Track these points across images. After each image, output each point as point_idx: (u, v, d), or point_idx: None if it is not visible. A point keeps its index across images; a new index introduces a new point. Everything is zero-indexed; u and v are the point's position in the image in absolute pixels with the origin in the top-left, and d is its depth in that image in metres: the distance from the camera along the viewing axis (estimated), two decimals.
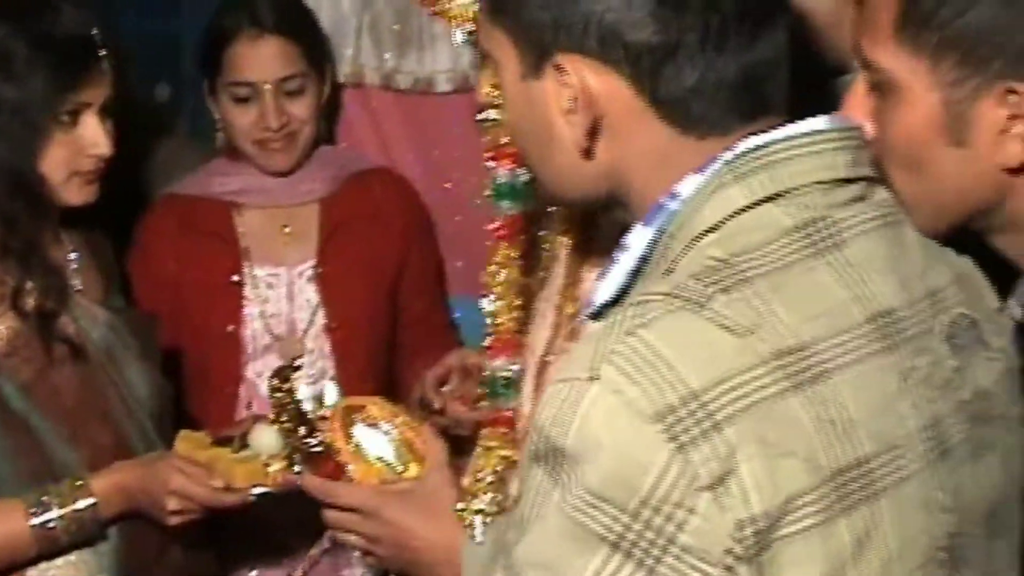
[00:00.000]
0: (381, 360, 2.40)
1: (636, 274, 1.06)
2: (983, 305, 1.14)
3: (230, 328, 2.35)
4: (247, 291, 2.36)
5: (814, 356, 0.96)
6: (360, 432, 1.58)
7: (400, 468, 1.56)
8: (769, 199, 1.01)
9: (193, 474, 1.87)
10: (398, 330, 2.44)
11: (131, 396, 1.98)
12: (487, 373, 1.62)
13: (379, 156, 2.59)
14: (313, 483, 1.58)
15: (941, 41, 1.20)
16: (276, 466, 1.87)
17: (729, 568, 0.91)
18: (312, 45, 2.36)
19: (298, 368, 1.72)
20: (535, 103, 1.06)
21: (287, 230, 2.39)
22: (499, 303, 1.58)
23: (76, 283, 1.98)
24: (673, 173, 1.04)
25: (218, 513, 1.91)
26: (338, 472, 1.55)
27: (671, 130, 1.04)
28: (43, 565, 1.88)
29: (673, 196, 1.04)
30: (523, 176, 1.50)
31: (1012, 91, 1.18)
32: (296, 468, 1.84)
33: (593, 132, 1.05)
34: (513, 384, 1.60)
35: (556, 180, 1.11)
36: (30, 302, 1.86)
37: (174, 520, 1.89)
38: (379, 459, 1.56)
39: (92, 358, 1.94)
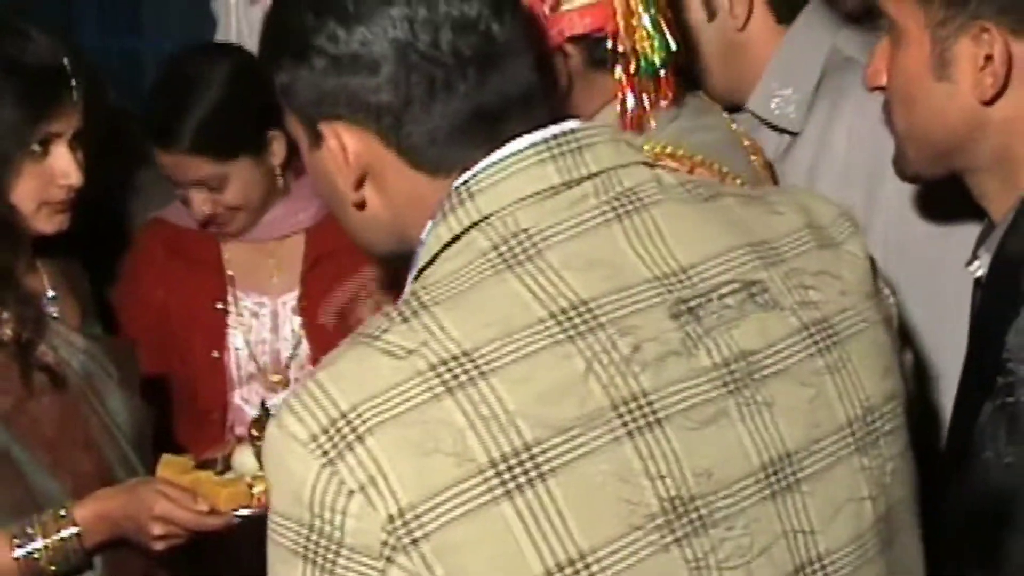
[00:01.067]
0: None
1: None
2: (804, 260, 1.16)
3: (215, 354, 2.33)
4: (231, 319, 2.35)
5: (475, 360, 1.02)
6: None
7: None
8: (473, 226, 1.10)
9: (176, 498, 1.85)
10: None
11: (112, 423, 1.97)
12: None
13: None
14: None
15: None
16: (260, 487, 1.86)
17: (389, 559, 1.00)
18: (228, 149, 2.26)
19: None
20: (323, 170, 1.19)
21: (272, 261, 2.38)
22: None
23: (53, 311, 1.98)
24: (431, 212, 1.13)
25: (203, 537, 1.90)
26: None
27: (420, 174, 1.15)
28: None
29: (420, 243, 1.14)
30: None
31: (985, 29, 1.34)
32: None
33: (359, 185, 1.17)
34: None
35: (354, 234, 1.23)
36: (6, 332, 1.86)
37: (159, 545, 1.88)
38: None
39: (72, 386, 1.93)
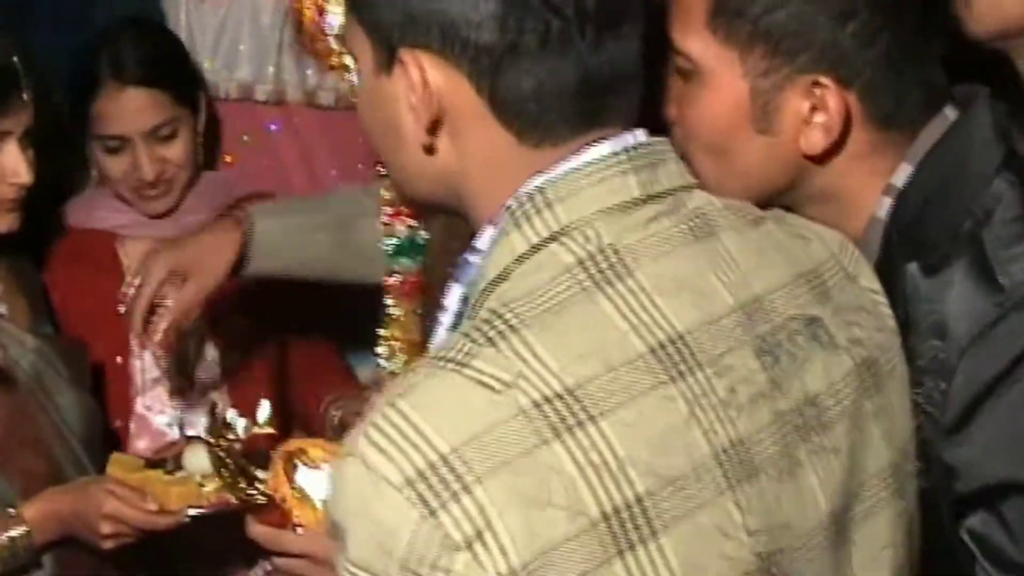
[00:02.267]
0: (275, 387, 2.36)
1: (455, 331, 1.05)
2: (842, 295, 1.12)
3: (118, 360, 2.30)
4: None
5: (581, 400, 0.94)
6: (303, 477, 1.57)
7: None
8: (551, 239, 1.00)
9: (126, 497, 1.86)
10: (289, 354, 2.41)
11: (62, 422, 1.97)
12: None
13: (303, 173, 2.57)
14: (261, 533, 1.57)
15: (752, 33, 1.28)
16: (210, 486, 1.87)
17: None
18: (181, 87, 2.30)
19: (228, 425, 1.72)
20: (385, 99, 1.06)
21: None
22: (396, 360, 1.57)
23: (2, 310, 1.97)
24: (506, 182, 1.03)
25: (153, 535, 1.91)
26: (284, 520, 1.55)
27: (508, 135, 1.03)
28: None
29: (474, 250, 1.04)
30: (422, 233, 1.50)
31: (817, 83, 1.30)
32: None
33: (434, 129, 1.03)
34: None
35: (402, 177, 1.11)
36: None
37: (108, 544, 1.89)
38: (325, 502, 1.56)
39: (21, 385, 1.93)
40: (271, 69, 2.54)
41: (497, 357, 0.94)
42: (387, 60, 1.04)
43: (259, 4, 2.53)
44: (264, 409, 1.88)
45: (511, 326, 0.95)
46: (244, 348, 2.33)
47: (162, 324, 1.96)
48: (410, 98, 1.03)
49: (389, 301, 1.55)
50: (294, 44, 2.44)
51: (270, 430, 1.87)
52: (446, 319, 1.07)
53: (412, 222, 1.51)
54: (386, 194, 1.59)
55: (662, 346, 0.98)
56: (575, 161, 1.02)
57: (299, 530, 1.55)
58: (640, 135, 1.05)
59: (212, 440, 1.65)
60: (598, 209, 1.00)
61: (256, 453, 1.85)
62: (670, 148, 1.07)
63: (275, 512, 1.56)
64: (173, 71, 2.32)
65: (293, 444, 1.63)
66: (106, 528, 1.87)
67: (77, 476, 1.96)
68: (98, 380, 2.23)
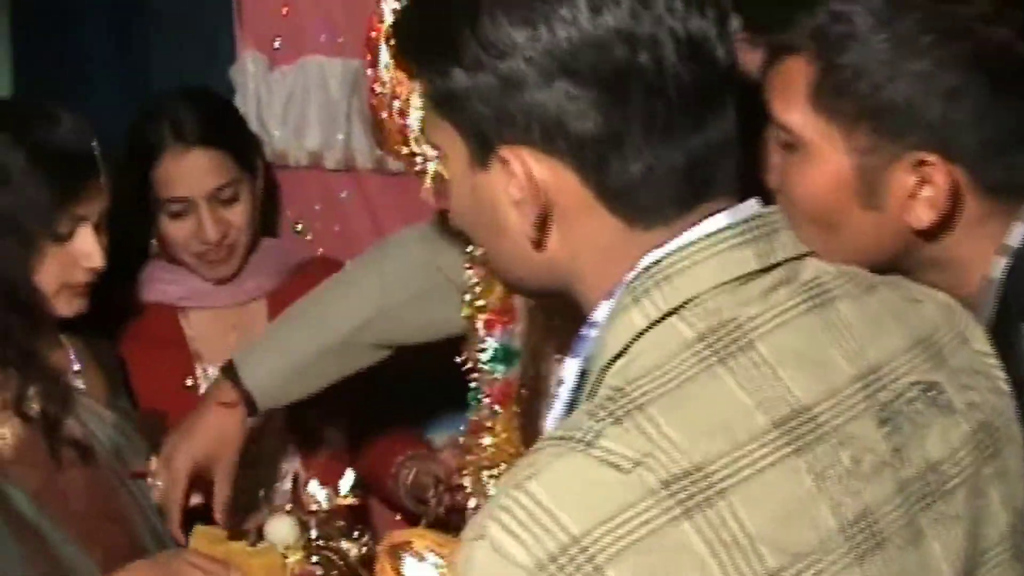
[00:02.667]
0: (348, 454, 2.35)
1: (572, 406, 1.05)
2: (957, 358, 1.11)
3: None
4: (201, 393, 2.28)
5: (709, 476, 0.93)
6: (409, 568, 1.56)
7: None
8: (671, 313, 0.99)
9: (210, 570, 1.84)
10: (360, 420, 2.40)
11: (142, 496, 1.96)
12: None
13: (374, 238, 2.53)
14: None
15: (858, 111, 1.27)
16: (294, 558, 1.86)
17: None
18: (240, 148, 2.33)
19: (342, 524, 1.71)
20: (483, 194, 1.05)
21: (235, 329, 2.36)
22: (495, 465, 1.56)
23: (79, 385, 1.97)
24: (619, 264, 1.02)
25: None
26: None
27: (617, 221, 1.02)
28: None
29: (591, 324, 1.03)
30: (516, 340, 1.50)
31: (923, 162, 1.27)
32: (314, 559, 1.83)
33: (543, 223, 1.03)
34: None
35: (505, 266, 1.10)
36: (34, 407, 1.84)
37: None
38: None
39: (101, 460, 1.92)
40: (340, 137, 2.55)
41: (624, 435, 0.93)
42: (481, 157, 1.03)
43: (327, 72, 2.54)
44: (347, 479, 1.87)
45: (637, 404, 0.95)
46: (317, 417, 2.31)
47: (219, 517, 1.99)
48: (512, 193, 1.02)
49: (485, 401, 1.55)
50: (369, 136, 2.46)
51: (353, 500, 1.86)
52: (563, 394, 1.06)
53: (506, 328, 1.51)
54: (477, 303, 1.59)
55: (787, 419, 0.97)
56: (692, 234, 1.01)
57: None
58: (754, 205, 1.04)
59: (316, 553, 1.64)
60: (717, 283, 1.00)
61: (338, 524, 1.85)
62: (782, 217, 1.06)
63: None
64: (232, 133, 2.34)
65: (397, 536, 1.61)
66: None
67: (157, 549, 1.94)
68: None
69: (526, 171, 1.01)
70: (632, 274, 1.01)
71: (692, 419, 0.95)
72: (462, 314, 1.79)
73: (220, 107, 2.39)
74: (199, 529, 1.95)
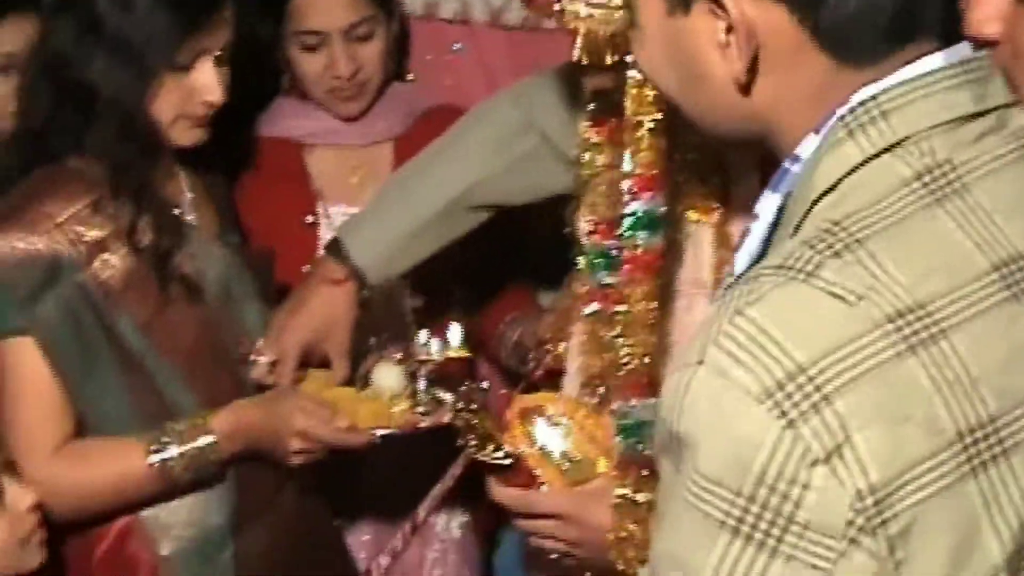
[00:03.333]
0: (458, 309, 2.31)
1: (769, 241, 1.04)
2: None
3: (304, 269, 2.22)
4: (322, 232, 2.29)
5: (932, 314, 0.92)
6: (541, 433, 1.53)
7: (588, 465, 1.52)
8: (886, 150, 0.97)
9: (317, 414, 1.84)
10: (471, 276, 2.36)
11: (247, 335, 1.95)
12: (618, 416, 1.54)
13: (485, 93, 2.47)
14: (509, 496, 1.54)
15: None
16: (400, 407, 1.86)
17: (853, 540, 0.89)
18: None
19: (486, 391, 1.69)
20: (682, 40, 1.03)
21: (361, 170, 2.34)
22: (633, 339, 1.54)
23: (191, 219, 1.95)
24: (827, 104, 1.00)
25: (341, 454, 1.89)
26: (529, 480, 1.52)
27: (830, 60, 0.99)
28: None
29: (795, 159, 1.02)
30: (661, 206, 1.47)
31: None
32: (420, 408, 1.82)
33: (752, 65, 1.00)
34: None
35: (702, 114, 1.08)
36: (145, 239, 1.83)
37: (296, 460, 1.87)
38: (565, 458, 1.52)
39: (209, 297, 1.91)
40: None
41: (844, 269, 0.93)
42: (683, 1, 1.01)
43: None
44: (456, 331, 1.86)
45: (856, 238, 0.94)
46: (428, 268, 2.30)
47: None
48: (718, 36, 1.00)
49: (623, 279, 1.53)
50: None
51: (464, 353, 1.85)
52: (759, 228, 1.05)
53: (651, 194, 1.48)
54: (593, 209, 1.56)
55: (1005, 263, 0.96)
56: (908, 72, 0.99)
57: (543, 488, 1.51)
58: (967, 48, 1.02)
59: (455, 415, 1.64)
60: (933, 123, 0.98)
61: (449, 377, 1.84)
62: (992, 64, 1.03)
63: (520, 474, 1.51)
64: None
65: (529, 400, 1.58)
66: (296, 444, 1.85)
67: (258, 390, 1.94)
68: (282, 290, 2.19)
69: (741, 13, 0.98)
70: (845, 108, 0.99)
71: (913, 257, 0.94)
72: (584, 172, 1.75)
73: None
74: (313, 373, 1.94)
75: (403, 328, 1.95)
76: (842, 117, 0.98)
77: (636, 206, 1.49)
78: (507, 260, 2.32)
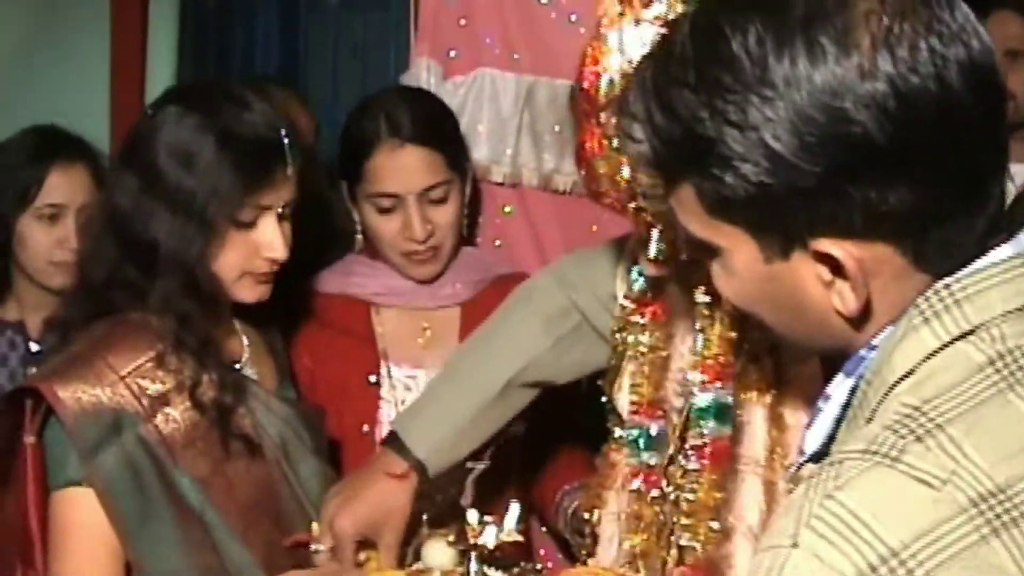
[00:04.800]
0: (508, 452, 2.30)
1: (840, 422, 1.10)
2: None
3: (365, 428, 2.29)
4: (384, 392, 2.30)
5: (1012, 498, 0.96)
6: None
7: None
8: (960, 337, 1.02)
9: None
10: (532, 444, 2.36)
11: (303, 493, 1.95)
12: None
13: (534, 255, 2.55)
14: None
15: None
16: None
17: None
18: (453, 150, 2.31)
19: (539, 572, 1.70)
20: (782, 280, 1.08)
21: (428, 332, 2.35)
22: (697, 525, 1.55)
23: (251, 373, 1.96)
24: (908, 301, 1.06)
25: None
26: None
27: (927, 276, 1.05)
28: None
29: (871, 347, 1.07)
30: (730, 395, 1.49)
31: None
32: None
33: (863, 297, 1.06)
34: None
35: (796, 338, 1.14)
36: (208, 394, 1.84)
37: None
38: None
39: (268, 454, 1.91)
40: (508, 151, 2.53)
41: (927, 454, 0.97)
42: (782, 250, 1.06)
43: (500, 87, 2.53)
44: (513, 513, 1.83)
45: (936, 423, 0.98)
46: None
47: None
48: (824, 276, 1.05)
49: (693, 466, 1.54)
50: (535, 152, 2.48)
51: (518, 538, 1.82)
52: (830, 410, 1.11)
53: (720, 384, 1.50)
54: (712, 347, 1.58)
55: None
56: (981, 262, 1.04)
57: None
58: None
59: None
60: (1005, 310, 1.03)
61: (503, 557, 1.82)
62: None
63: None
64: (448, 135, 2.32)
65: (573, 575, 1.58)
66: None
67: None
68: (341, 447, 2.23)
69: (849, 256, 1.03)
70: (922, 298, 1.04)
71: (991, 441, 0.98)
72: (625, 351, 1.76)
73: (437, 108, 2.37)
74: (373, 555, 1.91)
75: (456, 507, 1.94)
76: (917, 305, 1.04)
77: (706, 397, 1.51)
78: (566, 428, 2.31)
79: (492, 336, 2.00)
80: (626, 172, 1.49)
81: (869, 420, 1.04)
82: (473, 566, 1.83)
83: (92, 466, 1.78)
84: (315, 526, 1.90)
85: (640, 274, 1.71)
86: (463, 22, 2.55)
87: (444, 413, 1.94)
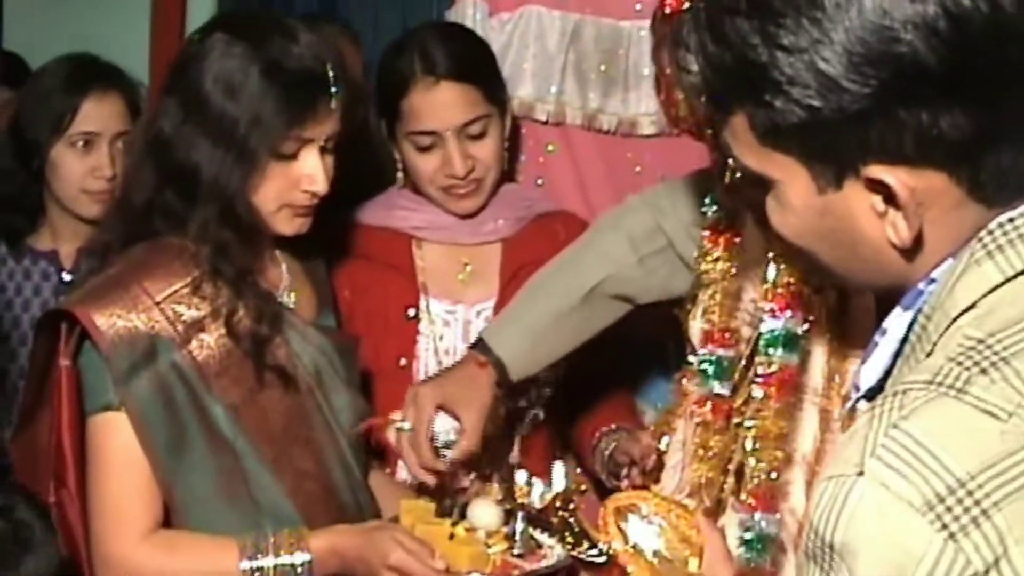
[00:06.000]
0: (554, 404, 2.34)
1: (896, 356, 1.09)
2: None
3: (402, 362, 2.28)
4: (423, 326, 2.30)
5: None
6: (634, 529, 1.53)
7: (680, 564, 1.50)
8: (1023, 272, 1.01)
9: (415, 551, 1.80)
10: (572, 377, 2.36)
11: (335, 423, 1.95)
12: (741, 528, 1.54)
13: (576, 195, 2.53)
14: None
15: None
16: (497, 548, 1.83)
17: None
18: (489, 84, 2.29)
19: (584, 492, 1.66)
20: (835, 212, 1.07)
21: (468, 268, 2.34)
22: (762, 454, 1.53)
23: (289, 301, 1.95)
24: (967, 237, 1.05)
25: None
26: None
27: (981, 208, 1.04)
28: None
29: (931, 281, 1.06)
30: (799, 325, 1.47)
31: None
32: (516, 551, 1.80)
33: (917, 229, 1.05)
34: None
35: (859, 276, 1.13)
36: (243, 324, 1.84)
37: None
38: (657, 556, 1.51)
39: (301, 384, 1.91)
40: (553, 89, 2.50)
41: (992, 386, 0.96)
42: (835, 179, 1.05)
43: (546, 24, 2.49)
44: (559, 472, 1.83)
45: (1001, 356, 0.97)
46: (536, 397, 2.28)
47: (455, 455, 1.96)
48: (877, 206, 1.04)
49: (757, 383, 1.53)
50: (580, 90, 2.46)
51: (565, 501, 1.81)
52: (887, 344, 1.10)
53: (790, 312, 1.48)
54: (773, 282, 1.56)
55: None
56: None
57: None
58: None
59: (553, 514, 1.61)
60: None
61: (549, 517, 1.81)
62: None
63: (612, 571, 1.52)
64: (483, 69, 2.30)
65: (622, 499, 1.58)
66: None
67: (345, 479, 1.94)
68: (378, 379, 2.23)
69: (902, 185, 1.02)
70: (985, 232, 1.03)
71: None
72: (701, 278, 1.75)
73: (471, 42, 2.35)
74: (406, 504, 1.92)
75: (505, 465, 1.93)
76: (980, 239, 1.03)
77: (775, 323, 1.50)
78: (610, 370, 2.31)
79: (579, 250, 2.04)
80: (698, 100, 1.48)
81: (929, 354, 1.03)
82: (519, 526, 1.82)
83: (127, 391, 1.79)
84: (396, 413, 1.93)
85: (715, 202, 1.72)
86: None
87: (527, 319, 1.99)
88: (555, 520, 1.52)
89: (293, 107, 1.81)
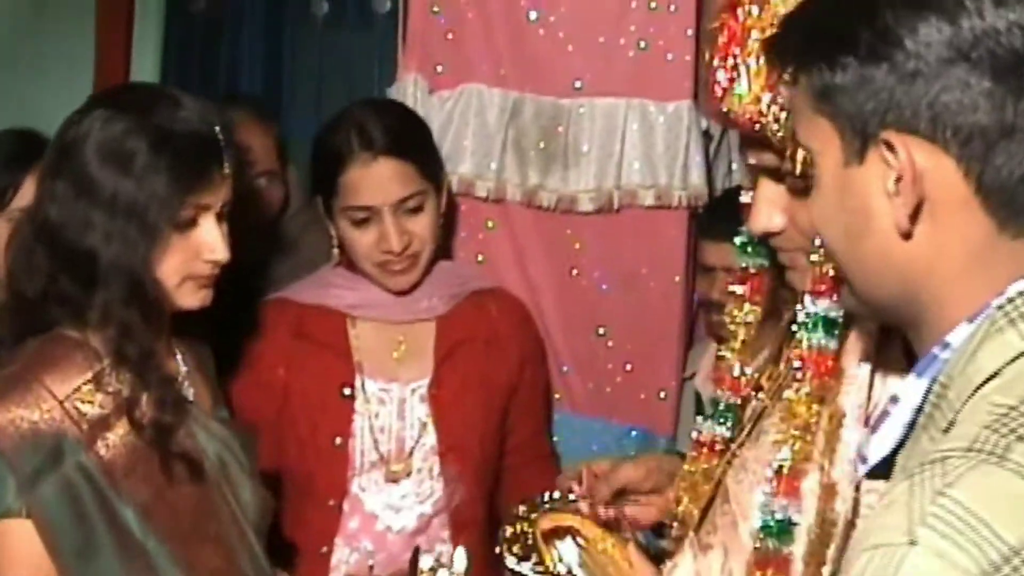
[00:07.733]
0: (487, 483, 2.35)
1: (910, 426, 1.09)
2: None
3: (338, 441, 2.27)
4: (358, 404, 2.29)
5: None
6: (565, 550, 1.54)
7: None
8: None
9: None
10: (503, 453, 2.39)
11: (242, 516, 1.90)
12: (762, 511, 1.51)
13: (516, 271, 2.54)
14: None
15: None
16: None
17: None
18: (426, 160, 2.30)
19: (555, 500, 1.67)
20: (854, 189, 1.08)
21: (403, 346, 2.33)
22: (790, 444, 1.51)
23: (189, 394, 1.90)
24: (981, 276, 1.04)
25: None
26: None
27: (989, 223, 1.04)
28: None
29: (945, 346, 1.06)
30: (837, 311, 1.45)
31: None
32: None
33: (915, 214, 1.05)
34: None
35: (859, 272, 1.12)
36: (147, 415, 1.78)
37: None
38: None
39: (209, 476, 1.86)
40: (493, 166, 2.51)
41: None
42: (859, 150, 1.07)
43: (486, 101, 2.52)
44: (460, 557, 1.80)
45: None
46: (464, 442, 2.29)
47: None
48: (888, 183, 1.05)
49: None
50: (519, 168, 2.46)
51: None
52: (902, 413, 1.11)
53: (831, 295, 1.46)
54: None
55: None
56: None
57: None
58: None
59: None
60: None
61: None
62: None
63: None
64: (420, 145, 2.32)
65: (565, 519, 1.57)
66: None
67: (253, 572, 1.88)
68: (316, 458, 2.22)
69: (909, 157, 1.03)
70: (1003, 298, 1.03)
71: None
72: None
73: (408, 119, 2.37)
74: None
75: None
76: (1001, 306, 1.03)
77: (814, 307, 1.47)
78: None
79: None
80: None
81: (952, 422, 1.02)
82: None
83: (32, 496, 1.72)
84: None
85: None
86: (450, 36, 2.54)
87: None
88: (511, 528, 1.50)
89: (188, 174, 1.77)
